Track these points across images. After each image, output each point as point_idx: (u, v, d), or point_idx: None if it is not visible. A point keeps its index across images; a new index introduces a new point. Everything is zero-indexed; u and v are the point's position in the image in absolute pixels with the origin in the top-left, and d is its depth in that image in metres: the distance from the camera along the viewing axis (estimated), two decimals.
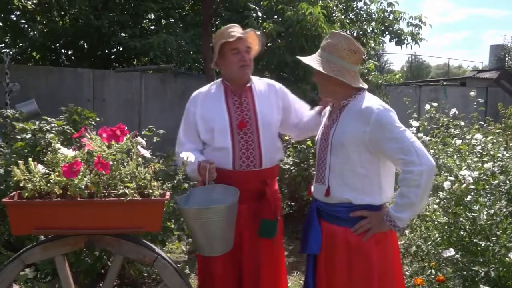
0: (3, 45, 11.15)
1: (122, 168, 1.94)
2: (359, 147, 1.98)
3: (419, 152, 1.90)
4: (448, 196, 2.84)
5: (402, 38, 10.44)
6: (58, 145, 1.96)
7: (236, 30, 2.38)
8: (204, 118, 2.40)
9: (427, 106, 3.98)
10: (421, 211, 2.76)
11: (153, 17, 12.36)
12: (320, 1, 8.92)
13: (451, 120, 3.97)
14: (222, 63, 2.41)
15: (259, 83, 2.51)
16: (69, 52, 12.06)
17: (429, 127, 4.08)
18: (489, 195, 2.85)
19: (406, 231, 3.05)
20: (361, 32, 10.07)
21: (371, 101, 2.01)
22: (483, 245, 2.57)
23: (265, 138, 2.39)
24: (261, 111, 2.41)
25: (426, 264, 2.81)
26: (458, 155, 3.27)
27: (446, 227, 2.84)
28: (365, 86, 2.09)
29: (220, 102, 2.41)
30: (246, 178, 2.31)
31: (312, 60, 2.09)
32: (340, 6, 10.23)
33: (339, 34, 2.09)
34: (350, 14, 10.57)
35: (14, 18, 11.24)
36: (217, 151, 2.37)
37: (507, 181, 2.91)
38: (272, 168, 2.44)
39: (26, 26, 11.24)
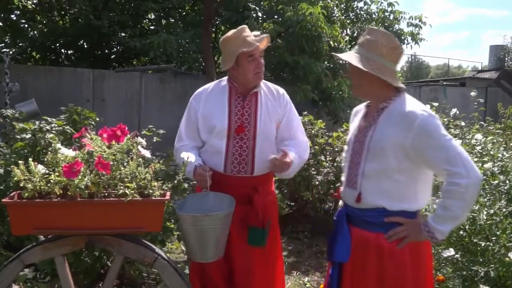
0: (3, 45, 11.12)
1: (122, 168, 1.94)
2: (399, 153, 1.85)
3: (466, 164, 1.77)
4: None
5: (402, 38, 10.48)
6: (59, 145, 1.96)
7: (249, 35, 2.31)
8: (205, 117, 2.39)
9: (428, 106, 3.97)
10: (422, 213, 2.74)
11: (153, 17, 12.35)
12: (320, 1, 8.93)
13: (451, 120, 3.98)
14: (236, 69, 2.35)
15: (267, 89, 2.45)
16: (69, 52, 12.05)
17: None
18: (489, 195, 2.86)
19: None
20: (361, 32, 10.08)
21: (414, 105, 1.88)
22: (483, 245, 2.57)
23: (261, 146, 2.35)
24: (261, 119, 2.36)
25: None
26: None
27: None
28: (404, 86, 1.98)
29: (223, 103, 2.39)
30: (236, 183, 2.28)
31: (350, 57, 1.95)
32: (341, 6, 10.25)
33: (377, 30, 1.97)
34: (350, 14, 10.61)
35: (14, 18, 11.23)
36: (211, 152, 2.37)
37: (507, 181, 2.91)
38: (265, 175, 2.39)
39: (26, 26, 11.22)
